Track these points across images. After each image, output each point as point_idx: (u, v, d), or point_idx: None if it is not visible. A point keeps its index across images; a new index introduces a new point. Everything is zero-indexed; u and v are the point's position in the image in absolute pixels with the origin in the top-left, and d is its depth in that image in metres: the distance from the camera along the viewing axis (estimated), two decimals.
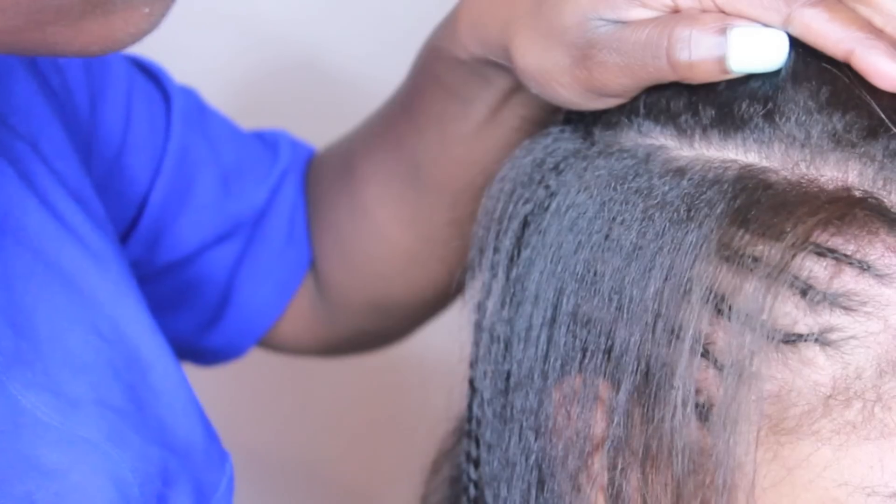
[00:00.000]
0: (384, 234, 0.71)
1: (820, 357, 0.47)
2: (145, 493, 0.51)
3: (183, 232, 0.71)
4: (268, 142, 0.76)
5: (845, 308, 0.47)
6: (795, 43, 0.49)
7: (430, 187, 0.67)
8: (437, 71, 0.63)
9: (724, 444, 0.48)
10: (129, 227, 0.70)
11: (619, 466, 0.50)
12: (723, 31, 0.49)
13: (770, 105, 0.49)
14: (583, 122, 0.55)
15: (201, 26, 0.98)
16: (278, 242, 0.75)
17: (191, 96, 0.73)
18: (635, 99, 0.52)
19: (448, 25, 0.61)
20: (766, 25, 0.49)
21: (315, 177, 0.75)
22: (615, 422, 0.49)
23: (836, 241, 0.47)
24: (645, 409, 0.49)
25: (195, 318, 0.75)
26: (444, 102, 0.63)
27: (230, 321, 0.75)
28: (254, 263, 0.74)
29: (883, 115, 0.47)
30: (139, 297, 0.57)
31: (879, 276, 0.47)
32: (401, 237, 0.70)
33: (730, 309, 0.48)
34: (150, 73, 0.72)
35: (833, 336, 0.47)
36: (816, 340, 0.47)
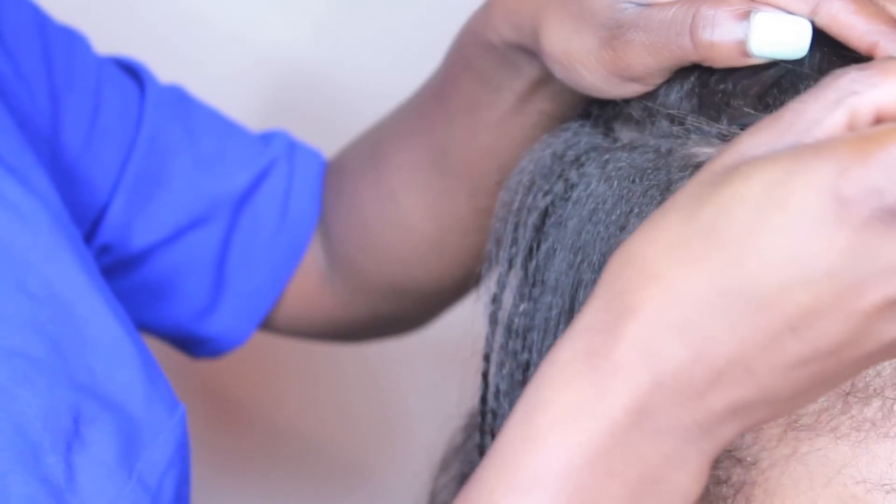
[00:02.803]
0: (408, 221, 0.71)
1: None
2: (51, 430, 0.54)
3: (157, 215, 0.73)
4: (261, 136, 0.77)
5: None
6: (822, 42, 0.49)
7: (455, 175, 0.68)
8: (469, 56, 0.63)
9: (742, 440, 0.48)
10: (101, 210, 0.71)
11: None
12: (747, 14, 0.49)
13: None
14: (603, 117, 0.54)
15: (211, 48, 0.98)
16: (268, 228, 0.76)
17: (173, 89, 0.75)
18: (656, 96, 0.52)
19: (483, 10, 0.61)
20: (791, 13, 0.49)
21: (340, 165, 0.76)
22: None
23: None
24: None
25: (190, 304, 0.76)
26: (475, 89, 0.64)
27: (226, 307, 0.76)
28: (243, 249, 0.75)
29: None
30: (79, 261, 0.59)
31: None
32: (424, 224, 0.71)
33: None
34: (129, 69, 0.74)
35: None
36: None
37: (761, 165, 0.41)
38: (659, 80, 0.52)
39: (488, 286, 0.57)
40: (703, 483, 0.43)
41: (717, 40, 0.49)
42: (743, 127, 0.49)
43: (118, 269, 0.73)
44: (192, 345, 0.78)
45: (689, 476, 0.43)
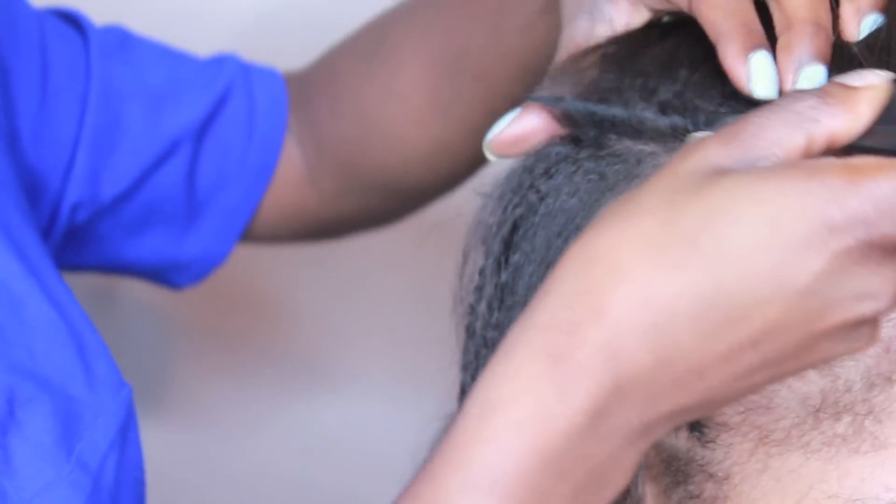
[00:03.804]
0: (418, 118, 0.72)
1: (809, 370, 0.47)
2: None
3: (121, 164, 0.73)
4: (210, 61, 0.78)
5: None
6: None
7: (473, 78, 0.69)
8: None
9: (714, 454, 0.48)
10: (66, 169, 0.71)
11: None
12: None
13: None
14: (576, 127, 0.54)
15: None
16: (236, 149, 0.76)
17: (113, 31, 0.75)
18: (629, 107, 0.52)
19: None
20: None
21: (332, 68, 0.77)
22: None
23: None
24: None
25: (166, 233, 0.77)
26: None
27: (203, 228, 0.77)
28: (213, 172, 0.76)
29: None
30: (12, 247, 0.59)
31: None
32: (433, 124, 0.72)
33: None
34: (67, 17, 0.74)
35: None
36: None
37: (746, 181, 0.41)
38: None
39: (464, 296, 0.57)
40: (630, 479, 0.44)
41: None
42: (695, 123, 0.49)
43: (93, 220, 0.74)
44: (176, 272, 0.79)
45: (624, 474, 0.44)
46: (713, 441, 0.48)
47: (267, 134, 0.77)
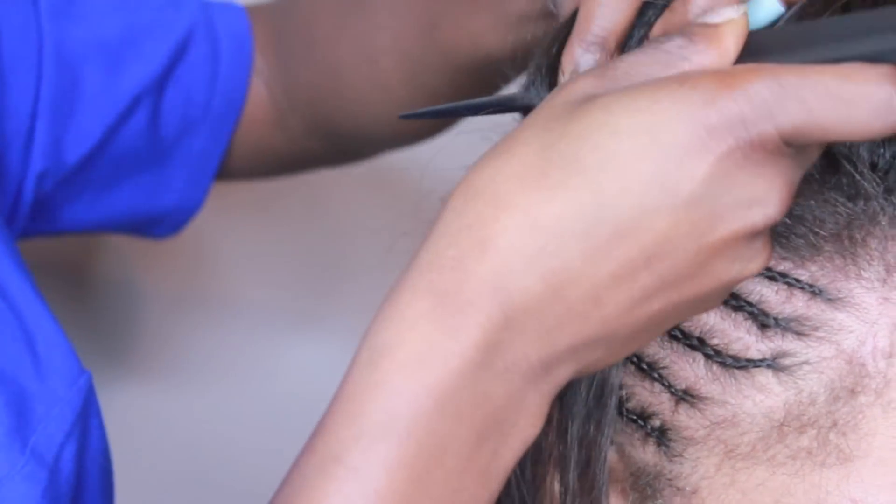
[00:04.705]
0: (385, 83, 0.72)
1: (773, 383, 0.46)
2: None
3: (83, 125, 0.72)
4: (167, 2, 0.76)
5: (797, 333, 0.46)
6: None
7: (440, 51, 0.69)
8: None
9: (681, 468, 0.48)
10: (26, 138, 0.70)
11: (572, 487, 0.49)
12: None
13: None
14: None
15: None
16: (200, 94, 0.75)
17: None
18: None
19: None
20: None
21: (305, 12, 0.76)
22: (569, 444, 0.49)
23: (787, 265, 0.46)
24: (596, 431, 0.49)
25: (137, 186, 0.76)
26: None
27: (174, 177, 0.77)
28: (178, 119, 0.75)
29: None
30: None
31: (831, 301, 0.46)
32: (400, 88, 0.72)
33: (682, 334, 0.47)
34: None
35: (786, 361, 0.46)
36: (769, 366, 0.46)
37: (622, 95, 0.41)
38: None
39: None
40: (540, 428, 0.43)
41: None
42: None
43: (61, 186, 0.73)
44: (153, 225, 0.79)
45: (529, 419, 0.42)
46: (680, 455, 0.48)
47: (231, 76, 0.76)
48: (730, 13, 0.43)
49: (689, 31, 0.43)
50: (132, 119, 0.73)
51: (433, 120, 0.73)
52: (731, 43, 0.42)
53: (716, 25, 0.43)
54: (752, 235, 0.41)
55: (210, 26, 0.75)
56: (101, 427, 0.59)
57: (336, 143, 0.79)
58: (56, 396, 0.56)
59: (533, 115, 0.43)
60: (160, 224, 0.79)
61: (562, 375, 0.42)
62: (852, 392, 0.46)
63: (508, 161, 0.41)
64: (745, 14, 0.43)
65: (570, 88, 0.43)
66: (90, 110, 0.72)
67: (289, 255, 1.06)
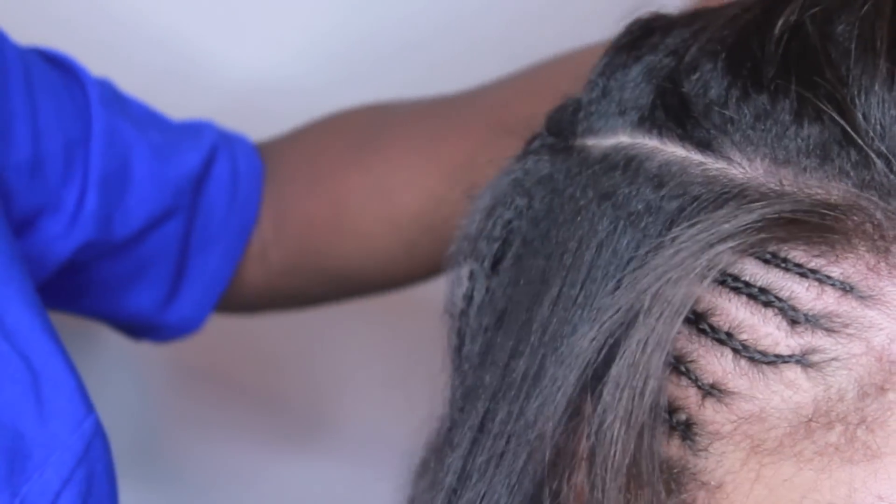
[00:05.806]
0: (397, 220, 0.72)
1: (801, 379, 0.46)
2: None
3: (131, 207, 0.73)
4: (188, 124, 0.78)
5: (827, 329, 0.46)
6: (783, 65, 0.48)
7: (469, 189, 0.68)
8: None
9: (706, 463, 0.48)
10: (76, 207, 0.70)
11: (600, 485, 0.49)
12: None
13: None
14: (562, 135, 0.54)
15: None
16: (220, 211, 0.76)
17: (106, 83, 0.75)
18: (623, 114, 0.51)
19: None
20: None
21: (307, 147, 0.77)
22: (597, 438, 0.49)
23: (819, 262, 0.46)
24: (626, 426, 0.48)
25: (153, 293, 0.76)
26: None
27: (186, 293, 0.77)
28: (201, 233, 0.76)
29: (847, 127, 0.45)
30: None
31: (862, 298, 0.46)
32: (411, 226, 0.72)
33: (711, 328, 0.47)
34: (58, 62, 0.73)
35: (815, 358, 0.46)
36: (798, 362, 0.46)
37: None
38: None
39: (453, 303, 0.57)
40: None
41: None
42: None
43: (92, 263, 0.73)
44: (148, 332, 0.79)
45: None
46: (705, 450, 0.48)
47: (248, 198, 0.77)
48: None
49: None
50: (172, 221, 0.74)
51: (437, 264, 0.70)
52: None
53: None
54: None
55: (230, 148, 0.77)
56: (107, 472, 0.58)
57: (311, 284, 0.78)
58: (57, 441, 0.56)
59: None
60: (157, 333, 0.79)
61: None
62: (881, 389, 0.46)
63: None
64: None
65: None
66: (139, 193, 0.73)
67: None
